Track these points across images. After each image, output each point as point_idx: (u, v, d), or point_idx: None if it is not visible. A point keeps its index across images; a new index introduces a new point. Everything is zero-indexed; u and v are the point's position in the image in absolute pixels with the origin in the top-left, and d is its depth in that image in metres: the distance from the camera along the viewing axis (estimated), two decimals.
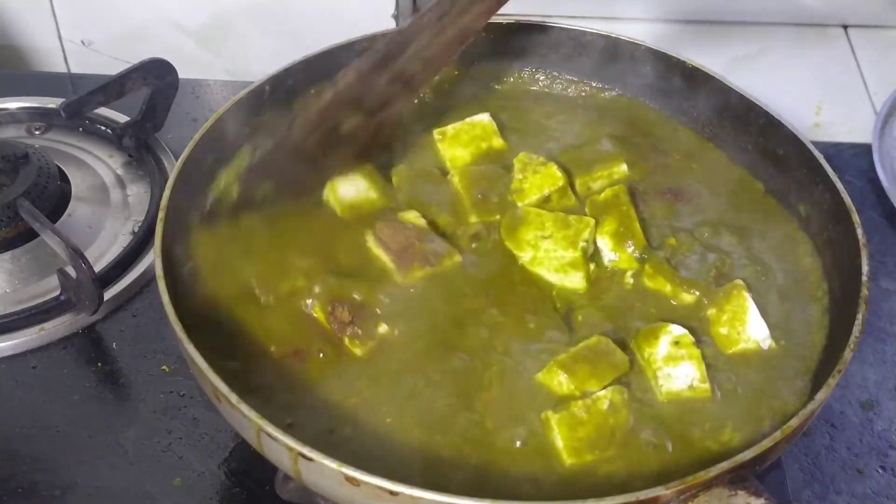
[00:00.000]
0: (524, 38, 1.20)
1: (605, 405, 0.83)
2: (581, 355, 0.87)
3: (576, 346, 0.88)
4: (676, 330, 0.89)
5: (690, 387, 0.86)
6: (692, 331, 0.90)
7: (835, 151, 1.35)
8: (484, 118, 1.10)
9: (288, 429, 0.77)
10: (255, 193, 1.00)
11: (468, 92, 1.19)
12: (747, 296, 0.92)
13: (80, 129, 1.34)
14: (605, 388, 0.85)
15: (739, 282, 0.94)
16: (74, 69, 1.61)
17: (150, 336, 1.09)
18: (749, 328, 0.91)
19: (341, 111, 1.01)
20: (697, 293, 0.95)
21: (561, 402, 0.84)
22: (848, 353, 0.83)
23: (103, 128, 1.33)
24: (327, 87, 1.01)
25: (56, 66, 1.61)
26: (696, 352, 0.88)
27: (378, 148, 1.08)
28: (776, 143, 1.06)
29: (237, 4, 1.52)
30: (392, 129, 1.08)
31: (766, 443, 0.75)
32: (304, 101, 1.06)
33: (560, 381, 0.85)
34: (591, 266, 0.97)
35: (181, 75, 1.26)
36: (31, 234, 1.15)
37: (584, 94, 1.21)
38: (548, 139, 1.13)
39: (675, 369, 0.87)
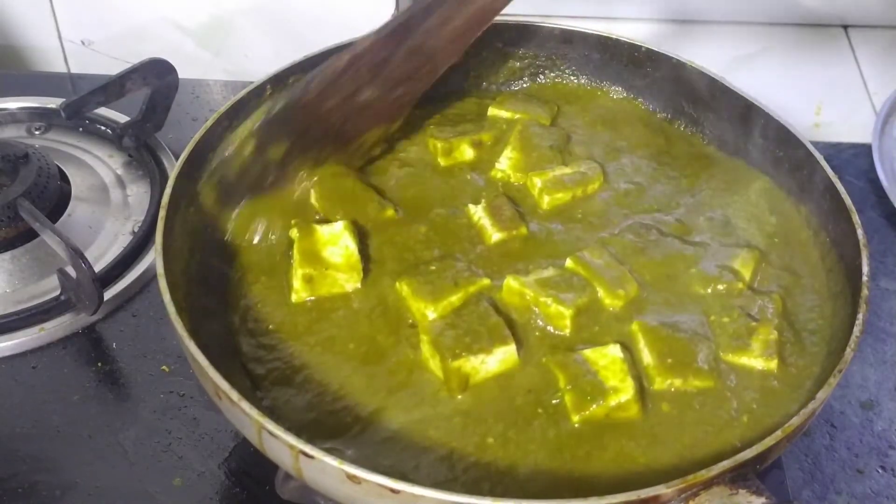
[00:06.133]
0: (524, 38, 1.21)
1: None
2: None
3: None
4: None
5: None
6: None
7: (835, 151, 1.36)
8: None
9: None
10: (269, 152, 1.00)
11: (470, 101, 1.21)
12: None
13: (80, 129, 1.34)
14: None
15: None
16: (74, 69, 1.61)
17: (150, 336, 1.09)
18: None
19: (359, 77, 1.00)
20: None
21: None
22: (848, 353, 0.83)
23: (103, 128, 1.33)
24: (345, 51, 1.01)
25: (56, 66, 1.61)
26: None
27: (394, 125, 1.08)
28: (776, 143, 1.07)
29: (237, 4, 1.52)
30: (410, 109, 1.08)
31: (767, 441, 0.75)
32: (322, 65, 1.04)
33: None
34: None
35: (181, 75, 1.26)
36: (31, 234, 1.14)
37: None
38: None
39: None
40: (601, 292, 0.95)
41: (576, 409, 0.85)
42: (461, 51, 1.06)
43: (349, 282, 0.96)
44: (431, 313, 0.92)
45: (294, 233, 0.97)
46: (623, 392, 0.85)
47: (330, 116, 1.01)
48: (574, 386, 0.86)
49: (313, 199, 1.03)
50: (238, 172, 1.01)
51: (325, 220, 1.00)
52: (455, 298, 0.93)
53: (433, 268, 0.96)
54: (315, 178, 1.03)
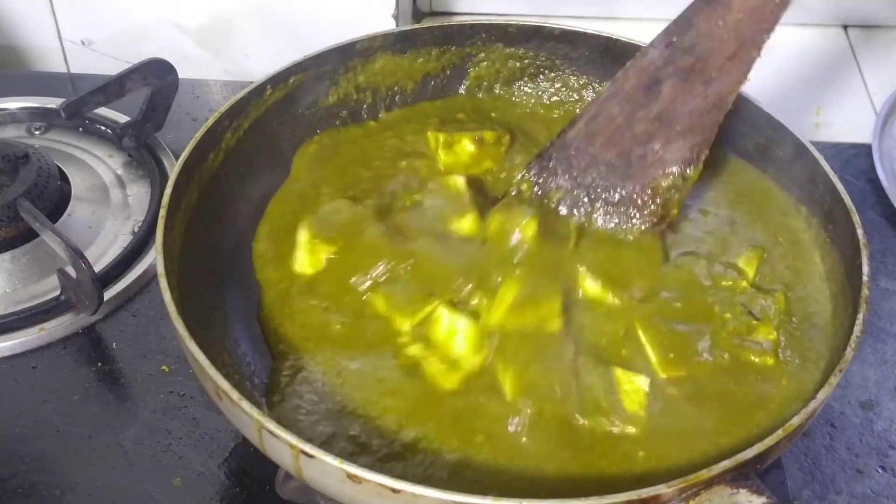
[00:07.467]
0: (524, 38, 1.21)
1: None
2: None
3: None
4: None
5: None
6: None
7: (835, 151, 1.36)
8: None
9: None
10: (549, 189, 1.01)
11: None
12: None
13: (80, 129, 1.34)
14: None
15: None
16: (74, 69, 1.61)
17: (150, 336, 1.09)
18: None
19: (625, 106, 0.96)
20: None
21: None
22: (849, 353, 0.83)
23: (103, 128, 1.33)
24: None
25: (56, 66, 1.61)
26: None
27: (689, 171, 0.99)
28: (776, 142, 1.07)
29: (237, 4, 1.52)
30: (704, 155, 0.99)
31: (768, 441, 0.75)
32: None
33: None
34: None
35: (181, 75, 1.26)
36: (31, 234, 1.14)
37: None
38: None
39: None
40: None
41: (583, 414, 0.85)
42: (744, 72, 0.95)
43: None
44: (407, 325, 0.92)
45: (417, 350, 0.90)
46: (632, 425, 0.85)
47: (604, 153, 0.98)
48: (590, 395, 0.86)
49: (304, 234, 1.00)
50: None
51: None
52: (430, 308, 0.92)
53: (402, 272, 0.96)
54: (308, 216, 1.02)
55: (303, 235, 0.99)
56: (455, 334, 0.90)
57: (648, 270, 0.97)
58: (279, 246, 1.02)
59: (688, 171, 0.98)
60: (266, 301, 0.98)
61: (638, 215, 0.99)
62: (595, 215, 1.00)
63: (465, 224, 1.00)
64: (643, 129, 0.96)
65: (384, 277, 0.96)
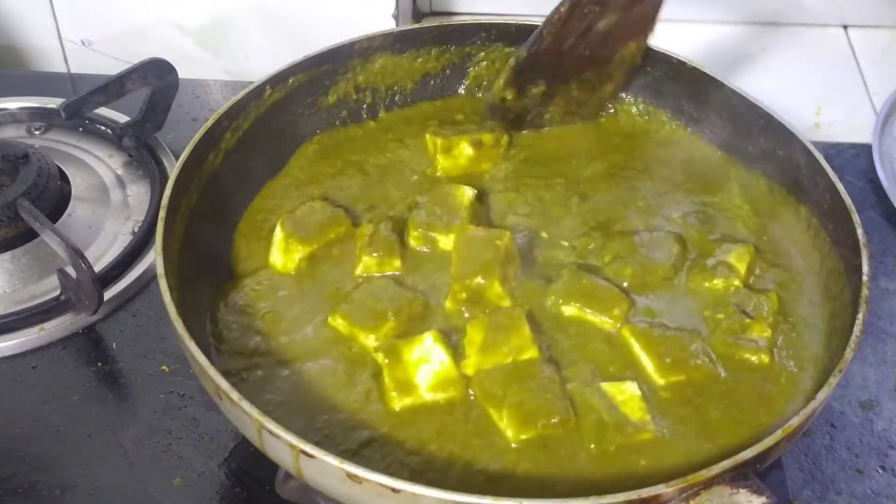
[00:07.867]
0: (525, 38, 1.20)
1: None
2: None
3: None
4: None
5: None
6: None
7: (835, 151, 1.36)
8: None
9: None
10: (530, 92, 1.13)
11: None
12: None
13: (80, 129, 1.34)
14: None
15: None
16: (74, 69, 1.61)
17: (150, 336, 1.09)
18: None
19: (586, 16, 1.06)
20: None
21: None
22: (848, 353, 0.83)
23: (103, 128, 1.33)
24: None
25: (56, 66, 1.61)
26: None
27: (649, 34, 1.11)
28: (776, 142, 1.07)
29: (237, 4, 1.52)
30: (660, 12, 1.10)
31: (768, 441, 0.75)
32: (549, 14, 1.09)
33: None
34: None
35: (181, 75, 1.26)
36: (31, 234, 1.14)
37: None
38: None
39: None
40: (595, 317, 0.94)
41: (597, 441, 0.84)
42: None
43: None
44: (372, 341, 0.91)
45: (381, 357, 0.89)
46: (645, 432, 0.84)
47: (575, 51, 1.10)
48: (594, 418, 0.85)
49: (280, 232, 1.00)
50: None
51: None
52: (394, 323, 0.92)
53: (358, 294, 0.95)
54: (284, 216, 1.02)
55: (278, 234, 0.99)
56: (426, 363, 0.87)
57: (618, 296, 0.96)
58: (257, 242, 1.03)
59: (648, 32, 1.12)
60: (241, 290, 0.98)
61: (608, 82, 1.16)
62: (570, 89, 1.14)
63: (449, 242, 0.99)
64: (604, 28, 1.09)
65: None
